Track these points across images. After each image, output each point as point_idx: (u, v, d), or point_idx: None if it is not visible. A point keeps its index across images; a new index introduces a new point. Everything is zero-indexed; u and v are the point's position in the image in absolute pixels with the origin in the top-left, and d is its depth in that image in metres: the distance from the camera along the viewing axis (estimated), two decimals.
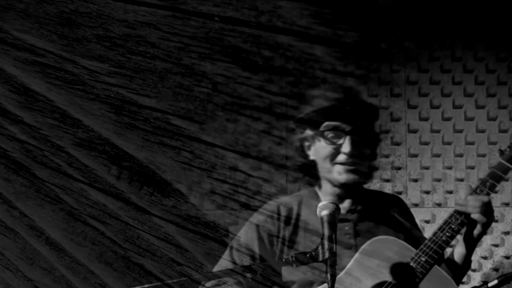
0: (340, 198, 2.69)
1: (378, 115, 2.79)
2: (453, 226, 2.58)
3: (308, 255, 2.23)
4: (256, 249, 2.68)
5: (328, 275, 2.16)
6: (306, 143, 2.73)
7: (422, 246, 2.55)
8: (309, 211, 2.70)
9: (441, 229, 2.58)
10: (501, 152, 2.75)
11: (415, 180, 3.82)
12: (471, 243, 2.65)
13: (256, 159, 3.70)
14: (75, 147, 3.03)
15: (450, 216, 2.61)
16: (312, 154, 2.72)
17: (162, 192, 3.48)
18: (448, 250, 2.74)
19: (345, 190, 2.68)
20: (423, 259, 2.52)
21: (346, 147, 2.62)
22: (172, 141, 3.13)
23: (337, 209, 2.31)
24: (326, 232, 2.25)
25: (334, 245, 2.21)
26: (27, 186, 3.13)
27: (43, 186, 3.09)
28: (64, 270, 3.35)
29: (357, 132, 2.63)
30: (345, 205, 2.69)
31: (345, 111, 2.64)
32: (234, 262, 2.67)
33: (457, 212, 2.61)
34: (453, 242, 2.65)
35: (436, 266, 2.57)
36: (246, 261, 2.67)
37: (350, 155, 2.61)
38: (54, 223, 3.32)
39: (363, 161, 2.67)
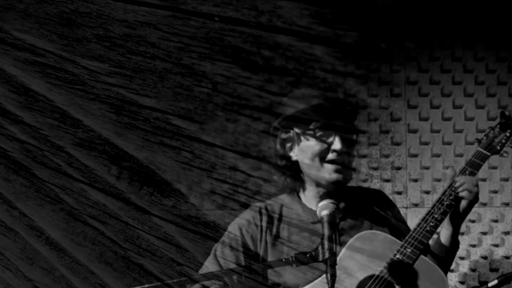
0: (322, 198, 2.68)
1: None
2: (436, 216, 2.63)
3: (308, 255, 2.23)
4: (240, 251, 2.68)
5: (328, 275, 2.16)
6: (288, 144, 2.72)
7: (407, 238, 2.59)
8: (290, 212, 2.71)
9: (424, 219, 2.63)
10: (479, 141, 2.83)
11: (415, 180, 3.82)
12: (458, 221, 2.68)
13: (256, 159, 3.69)
14: (75, 147, 3.03)
15: (433, 207, 2.66)
16: (295, 155, 2.72)
17: (162, 192, 3.48)
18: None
19: (328, 190, 2.68)
20: (409, 250, 2.56)
21: (336, 144, 2.63)
22: (172, 141, 3.13)
23: (337, 209, 2.32)
24: (326, 232, 2.25)
25: (334, 245, 2.21)
26: (27, 186, 3.13)
27: (43, 186, 3.09)
28: (64, 270, 3.35)
29: (346, 130, 2.65)
30: None
31: (335, 110, 2.66)
32: (219, 264, 2.67)
33: (440, 202, 2.65)
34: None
35: (426, 259, 2.59)
36: (231, 262, 2.67)
37: (340, 152, 2.62)
38: (54, 223, 3.32)
39: (351, 159, 2.69)
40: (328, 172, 2.65)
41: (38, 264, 3.38)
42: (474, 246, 3.73)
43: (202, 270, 2.70)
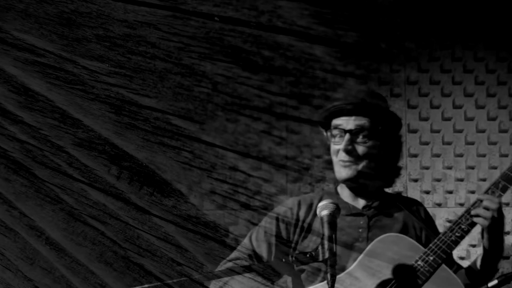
0: (357, 195, 2.74)
1: (400, 124, 2.82)
2: (463, 227, 2.59)
3: (308, 255, 2.24)
4: (273, 238, 2.73)
5: (328, 275, 2.17)
6: (328, 143, 2.81)
7: (431, 245, 2.56)
8: None
9: (451, 229, 2.59)
10: None
11: (415, 180, 3.82)
12: (487, 253, 2.65)
13: (256, 159, 3.70)
14: (75, 147, 3.03)
15: (461, 217, 2.62)
16: (331, 153, 2.80)
17: (162, 192, 3.48)
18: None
19: (358, 188, 2.73)
20: (431, 258, 2.54)
21: (342, 144, 2.68)
22: (172, 141, 3.13)
23: (337, 209, 2.33)
24: (326, 232, 2.26)
25: (334, 245, 2.22)
26: (27, 186, 3.13)
27: (43, 186, 3.09)
28: (64, 270, 3.35)
29: (361, 131, 2.67)
30: (361, 201, 2.74)
31: (349, 111, 2.69)
32: (252, 251, 2.72)
33: (468, 212, 2.62)
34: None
35: (446, 268, 2.57)
36: (264, 248, 2.72)
37: (345, 151, 2.67)
38: (54, 223, 3.32)
39: (364, 159, 2.70)
40: (337, 171, 2.72)
41: (38, 264, 3.38)
42: (474, 246, 3.73)
43: (235, 252, 2.74)
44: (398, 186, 3.81)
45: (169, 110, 3.19)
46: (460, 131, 3.84)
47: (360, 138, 2.70)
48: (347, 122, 2.71)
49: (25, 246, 3.34)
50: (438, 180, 3.81)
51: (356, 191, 2.76)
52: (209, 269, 2.85)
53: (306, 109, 3.83)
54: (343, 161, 2.71)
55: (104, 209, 3.20)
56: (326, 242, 2.23)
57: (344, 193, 2.80)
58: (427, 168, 3.82)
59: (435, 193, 3.80)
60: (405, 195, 3.79)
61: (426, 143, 3.84)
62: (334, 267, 2.19)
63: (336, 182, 2.83)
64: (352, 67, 3.82)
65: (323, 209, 2.32)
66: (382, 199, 2.77)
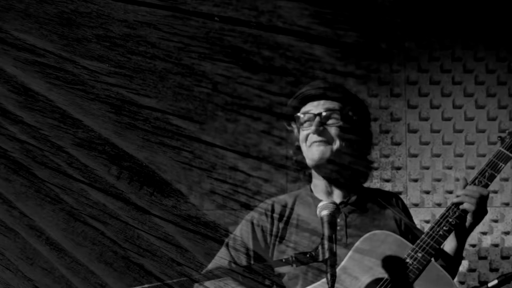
0: (332, 192, 2.71)
1: (368, 113, 2.82)
2: (450, 220, 2.53)
3: (308, 255, 2.23)
4: (250, 245, 2.70)
5: (328, 275, 2.16)
6: (297, 140, 2.78)
7: (418, 241, 2.50)
8: (302, 208, 2.74)
9: (438, 223, 2.52)
10: (502, 140, 2.66)
11: (415, 180, 3.82)
12: (464, 236, 2.64)
13: (256, 159, 3.70)
14: (75, 147, 3.03)
15: (447, 210, 2.55)
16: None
17: (162, 192, 3.48)
18: None
19: (335, 185, 2.70)
20: (420, 254, 2.47)
21: (313, 126, 2.66)
22: (172, 141, 3.13)
23: (337, 209, 2.32)
24: (326, 232, 2.25)
25: (334, 245, 2.21)
26: (27, 186, 3.13)
27: (43, 186, 3.09)
28: (64, 270, 3.35)
29: (331, 114, 2.66)
30: (337, 198, 2.71)
31: (318, 96, 2.69)
32: (231, 259, 2.69)
33: (454, 205, 2.56)
34: None
35: (436, 264, 2.53)
36: (242, 258, 2.69)
37: (316, 132, 2.65)
38: (54, 223, 3.32)
39: (336, 140, 2.68)
40: (311, 153, 2.69)
41: (38, 264, 3.38)
42: (474, 246, 3.74)
43: (213, 261, 2.72)
44: (398, 186, 3.81)
45: (169, 110, 3.19)
46: (460, 131, 3.84)
47: (330, 121, 2.69)
48: (316, 107, 2.70)
49: (25, 246, 3.34)
50: (438, 180, 3.81)
51: (332, 182, 2.72)
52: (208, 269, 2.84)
53: None
54: (316, 141, 2.68)
55: (104, 209, 3.20)
56: (326, 242, 2.22)
57: (318, 190, 2.77)
58: (427, 168, 3.82)
59: (435, 193, 3.80)
60: (405, 195, 3.80)
61: (426, 143, 3.84)
62: (334, 267, 2.18)
63: (309, 180, 2.79)
64: (352, 67, 3.82)
65: (323, 209, 2.32)
66: (358, 194, 2.75)
